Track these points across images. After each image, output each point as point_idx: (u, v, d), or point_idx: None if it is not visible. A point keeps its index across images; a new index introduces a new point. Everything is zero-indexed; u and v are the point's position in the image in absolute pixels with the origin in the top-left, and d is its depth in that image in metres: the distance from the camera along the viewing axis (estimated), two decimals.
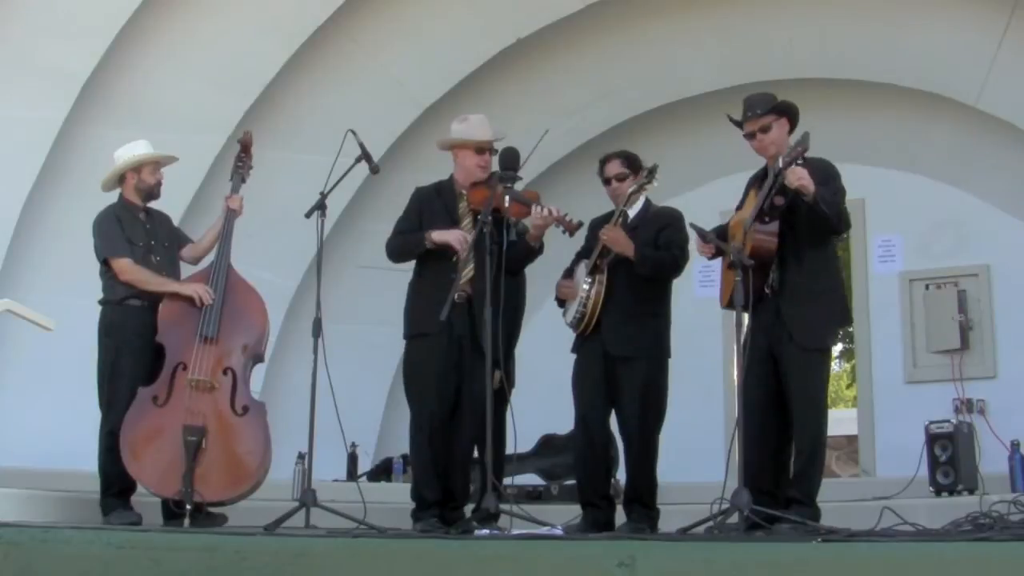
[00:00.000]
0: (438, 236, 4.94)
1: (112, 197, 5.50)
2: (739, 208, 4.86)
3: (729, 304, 4.68)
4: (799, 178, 4.30)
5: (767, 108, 4.63)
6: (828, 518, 4.47)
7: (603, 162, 5.23)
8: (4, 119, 6.85)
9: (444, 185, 5.19)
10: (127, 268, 5.24)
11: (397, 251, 5.22)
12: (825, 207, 4.36)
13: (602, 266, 5.01)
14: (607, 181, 5.19)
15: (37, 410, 6.90)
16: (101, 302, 5.32)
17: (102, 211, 5.40)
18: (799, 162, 4.29)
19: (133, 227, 5.36)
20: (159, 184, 5.46)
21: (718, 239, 4.72)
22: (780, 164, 4.33)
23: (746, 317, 4.31)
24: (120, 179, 5.45)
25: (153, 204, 5.54)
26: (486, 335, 4.65)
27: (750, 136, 4.67)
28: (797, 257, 4.51)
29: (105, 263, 5.30)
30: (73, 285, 5.80)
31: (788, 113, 4.67)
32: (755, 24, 7.72)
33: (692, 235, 4.81)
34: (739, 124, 4.69)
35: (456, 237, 4.89)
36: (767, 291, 4.42)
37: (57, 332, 5.73)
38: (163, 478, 4.98)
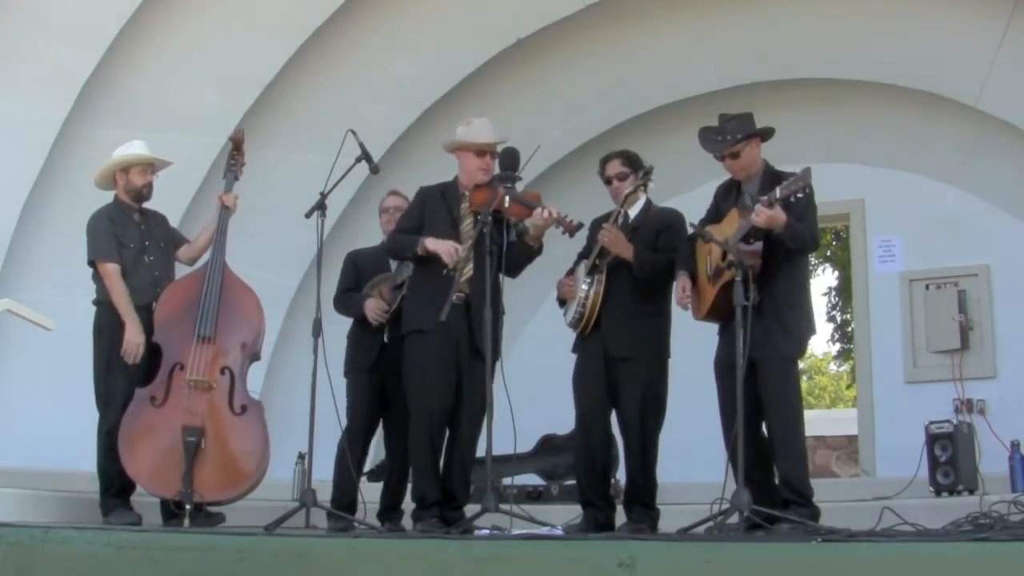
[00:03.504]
0: (431, 245, 4.93)
1: (110, 196, 5.50)
2: (708, 220, 4.90)
3: (707, 316, 4.76)
4: (767, 220, 4.38)
5: (736, 137, 4.67)
6: (828, 518, 4.48)
7: (604, 162, 5.24)
8: (4, 119, 6.85)
9: (448, 186, 5.18)
10: (110, 274, 5.23)
11: (392, 249, 5.27)
12: (791, 242, 4.49)
13: (601, 266, 5.01)
14: (608, 181, 5.20)
15: (37, 410, 6.91)
16: (95, 302, 5.32)
17: (96, 212, 5.39)
18: (799, 195, 4.33)
19: (127, 228, 5.35)
20: (149, 186, 5.43)
21: (691, 250, 4.83)
22: (777, 194, 4.36)
23: (739, 316, 4.32)
24: (113, 179, 5.45)
25: (153, 203, 5.53)
26: (485, 335, 4.65)
27: (719, 159, 4.75)
28: (775, 272, 4.59)
29: (93, 265, 5.30)
30: (72, 285, 5.79)
31: (760, 135, 4.73)
32: (755, 24, 7.72)
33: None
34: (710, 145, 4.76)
35: (447, 249, 4.87)
36: (746, 304, 4.43)
37: (57, 332, 5.73)
38: (162, 479, 4.96)
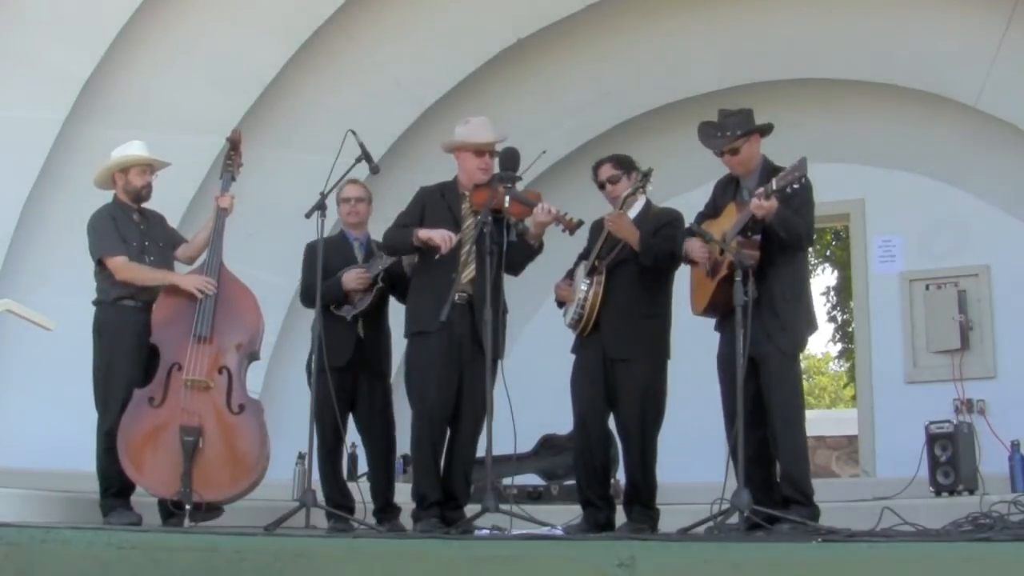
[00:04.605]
0: (424, 233, 4.93)
1: (110, 196, 5.51)
2: (706, 215, 4.90)
3: (705, 311, 4.75)
4: (765, 212, 4.37)
5: (736, 133, 4.66)
6: (828, 518, 4.48)
7: (595, 168, 5.22)
8: (4, 119, 6.85)
9: (448, 186, 5.18)
10: (122, 266, 5.23)
11: (389, 244, 5.20)
12: (783, 231, 4.45)
13: (600, 267, 5.01)
14: (601, 186, 5.18)
15: (37, 410, 6.91)
16: (95, 302, 5.32)
17: (96, 211, 5.40)
18: (795, 186, 4.31)
19: (127, 228, 5.35)
20: (148, 187, 5.42)
21: (694, 242, 4.79)
22: (774, 185, 4.34)
23: (738, 315, 4.32)
24: (112, 180, 5.46)
25: (153, 203, 5.53)
26: (487, 335, 4.65)
27: (719, 155, 4.73)
28: (773, 267, 4.57)
29: (99, 263, 5.30)
30: (72, 285, 5.80)
31: (760, 131, 4.72)
32: (755, 24, 7.72)
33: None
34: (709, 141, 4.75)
35: (441, 236, 4.88)
36: (746, 300, 4.42)
37: (57, 332, 5.73)
38: (161, 479, 4.96)
